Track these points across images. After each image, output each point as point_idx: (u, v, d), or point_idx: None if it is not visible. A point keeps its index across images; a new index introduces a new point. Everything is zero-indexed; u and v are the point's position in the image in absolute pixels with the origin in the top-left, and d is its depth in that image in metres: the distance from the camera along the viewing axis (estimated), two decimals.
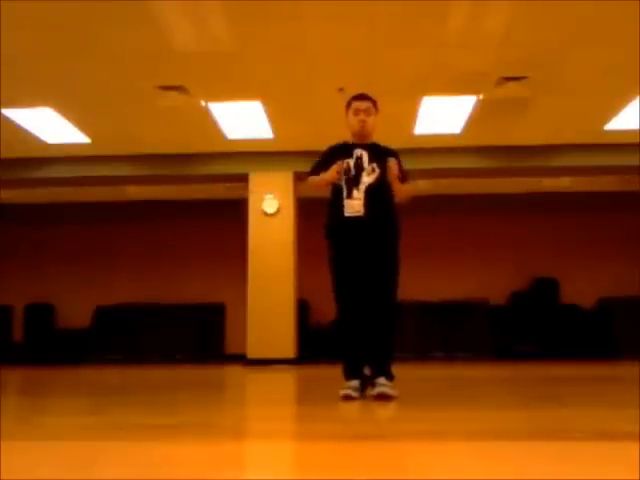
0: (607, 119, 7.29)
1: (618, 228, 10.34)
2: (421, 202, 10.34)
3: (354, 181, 3.65)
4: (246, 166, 8.49)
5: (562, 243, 10.45)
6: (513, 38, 5.30)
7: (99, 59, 5.62)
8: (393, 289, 3.65)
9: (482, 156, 8.34)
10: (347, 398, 3.51)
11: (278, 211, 8.35)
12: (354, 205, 3.62)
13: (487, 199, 10.36)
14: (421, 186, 9.82)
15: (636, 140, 7.83)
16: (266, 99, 6.69)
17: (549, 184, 9.77)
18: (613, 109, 7.01)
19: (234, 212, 9.40)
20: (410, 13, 4.89)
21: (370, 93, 3.86)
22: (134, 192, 10.13)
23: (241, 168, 8.50)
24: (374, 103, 3.80)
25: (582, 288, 10.09)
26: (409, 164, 8.49)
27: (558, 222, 10.47)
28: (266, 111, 6.98)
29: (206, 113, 6.97)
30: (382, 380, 3.53)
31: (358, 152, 3.71)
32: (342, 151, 3.75)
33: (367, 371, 3.69)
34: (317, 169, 3.80)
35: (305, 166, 4.40)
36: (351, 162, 3.68)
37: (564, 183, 9.63)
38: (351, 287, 3.65)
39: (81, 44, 5.32)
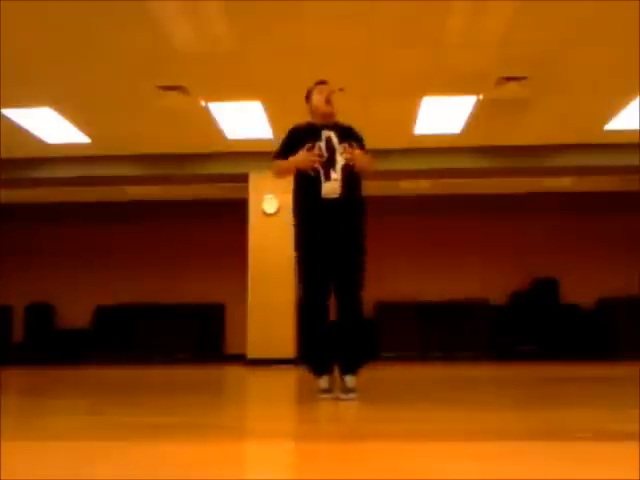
0: (607, 119, 7.29)
1: (618, 228, 10.33)
2: (421, 202, 10.45)
3: (329, 162, 3.49)
4: (246, 166, 8.48)
5: (562, 243, 10.44)
6: (513, 38, 5.30)
7: (99, 59, 5.62)
8: (363, 274, 3.49)
9: (482, 156, 8.34)
10: (325, 392, 3.43)
11: (278, 211, 8.34)
12: (334, 187, 3.46)
13: (487, 199, 10.37)
14: (421, 186, 9.83)
15: (636, 140, 7.83)
16: (266, 99, 6.69)
17: (549, 184, 9.77)
18: (613, 109, 7.01)
19: (234, 212, 9.40)
20: (410, 13, 4.89)
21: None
22: (134, 192, 10.13)
23: (241, 168, 8.50)
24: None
25: (582, 288, 10.08)
26: (409, 164, 8.60)
27: (558, 222, 10.47)
28: (266, 111, 6.98)
29: (206, 113, 6.97)
30: (349, 378, 3.40)
31: (326, 133, 3.56)
32: (309, 133, 3.56)
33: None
34: (283, 153, 3.57)
35: None
36: (322, 144, 3.51)
37: (564, 183, 9.63)
38: (322, 270, 3.46)
39: (81, 44, 5.33)
